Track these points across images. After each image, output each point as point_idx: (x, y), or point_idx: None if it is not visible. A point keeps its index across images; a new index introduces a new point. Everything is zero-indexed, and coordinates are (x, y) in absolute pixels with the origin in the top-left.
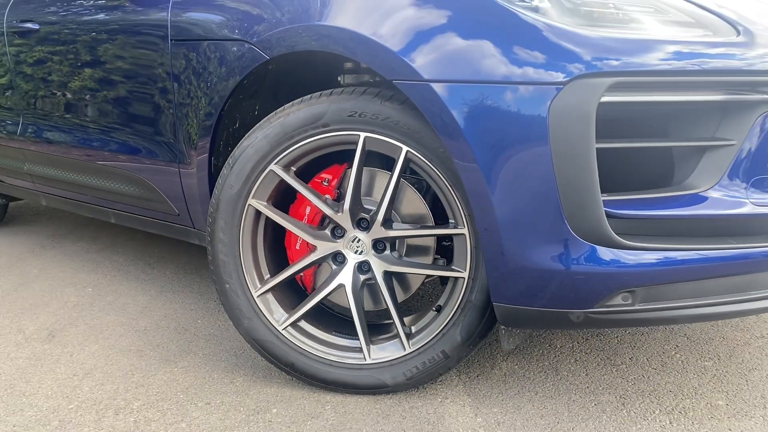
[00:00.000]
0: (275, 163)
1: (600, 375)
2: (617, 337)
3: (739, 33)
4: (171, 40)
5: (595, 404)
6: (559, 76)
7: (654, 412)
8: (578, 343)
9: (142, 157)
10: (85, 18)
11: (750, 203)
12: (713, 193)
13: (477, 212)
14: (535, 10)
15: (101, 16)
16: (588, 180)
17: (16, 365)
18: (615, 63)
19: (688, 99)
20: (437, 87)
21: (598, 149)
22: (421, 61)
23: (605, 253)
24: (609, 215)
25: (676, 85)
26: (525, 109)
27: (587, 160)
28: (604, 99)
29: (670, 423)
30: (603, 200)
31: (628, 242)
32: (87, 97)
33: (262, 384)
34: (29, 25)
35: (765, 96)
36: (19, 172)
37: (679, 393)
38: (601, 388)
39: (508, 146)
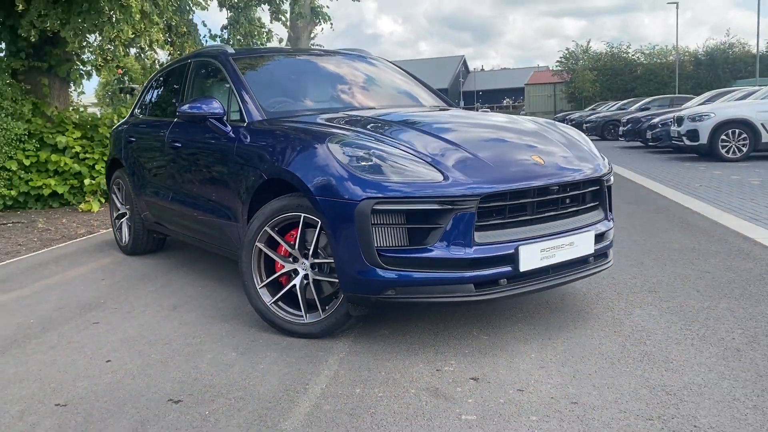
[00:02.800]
0: (267, 226)
1: (419, 337)
2: (446, 323)
3: (446, 178)
4: (235, 160)
5: (406, 348)
6: (360, 197)
7: (430, 350)
8: (428, 324)
9: (223, 217)
10: (201, 141)
11: (450, 252)
12: (434, 248)
13: (333, 252)
14: (361, 168)
15: (209, 141)
16: (369, 239)
17: (157, 318)
18: (380, 193)
19: (420, 207)
20: (319, 198)
21: (374, 227)
22: (318, 189)
23: (379, 272)
24: (380, 255)
25: (415, 201)
26: (347, 209)
27: (369, 231)
28: (375, 207)
29: (435, 355)
30: (376, 248)
31: (388, 267)
32: (199, 183)
33: (261, 330)
34: (176, 143)
35: (455, 207)
36: (170, 222)
37: (453, 347)
38: (416, 342)
39: (340, 223)
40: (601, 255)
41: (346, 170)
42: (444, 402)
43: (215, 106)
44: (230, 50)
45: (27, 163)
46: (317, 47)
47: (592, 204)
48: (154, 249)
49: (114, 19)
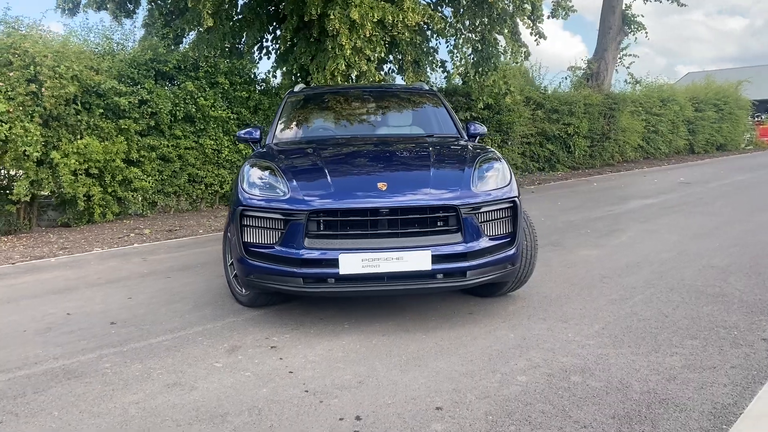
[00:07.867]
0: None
1: (318, 324)
2: (359, 318)
3: (286, 194)
4: None
5: (295, 327)
6: (239, 204)
7: (299, 330)
8: (344, 319)
9: None
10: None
11: (286, 251)
12: (276, 247)
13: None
14: (250, 185)
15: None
16: (241, 236)
17: (223, 282)
18: (247, 203)
19: (267, 215)
20: (232, 205)
21: (243, 227)
22: (232, 197)
23: (247, 261)
24: (246, 248)
25: (262, 210)
26: (235, 213)
27: (240, 229)
28: (244, 212)
29: (292, 333)
30: (244, 242)
31: (250, 258)
32: None
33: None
34: None
35: (289, 217)
36: None
37: (314, 330)
38: (312, 326)
39: (233, 222)
40: (456, 273)
41: (242, 187)
42: (226, 354)
43: (255, 133)
44: (297, 89)
45: None
46: (382, 82)
47: (450, 227)
48: None
49: (333, 55)
